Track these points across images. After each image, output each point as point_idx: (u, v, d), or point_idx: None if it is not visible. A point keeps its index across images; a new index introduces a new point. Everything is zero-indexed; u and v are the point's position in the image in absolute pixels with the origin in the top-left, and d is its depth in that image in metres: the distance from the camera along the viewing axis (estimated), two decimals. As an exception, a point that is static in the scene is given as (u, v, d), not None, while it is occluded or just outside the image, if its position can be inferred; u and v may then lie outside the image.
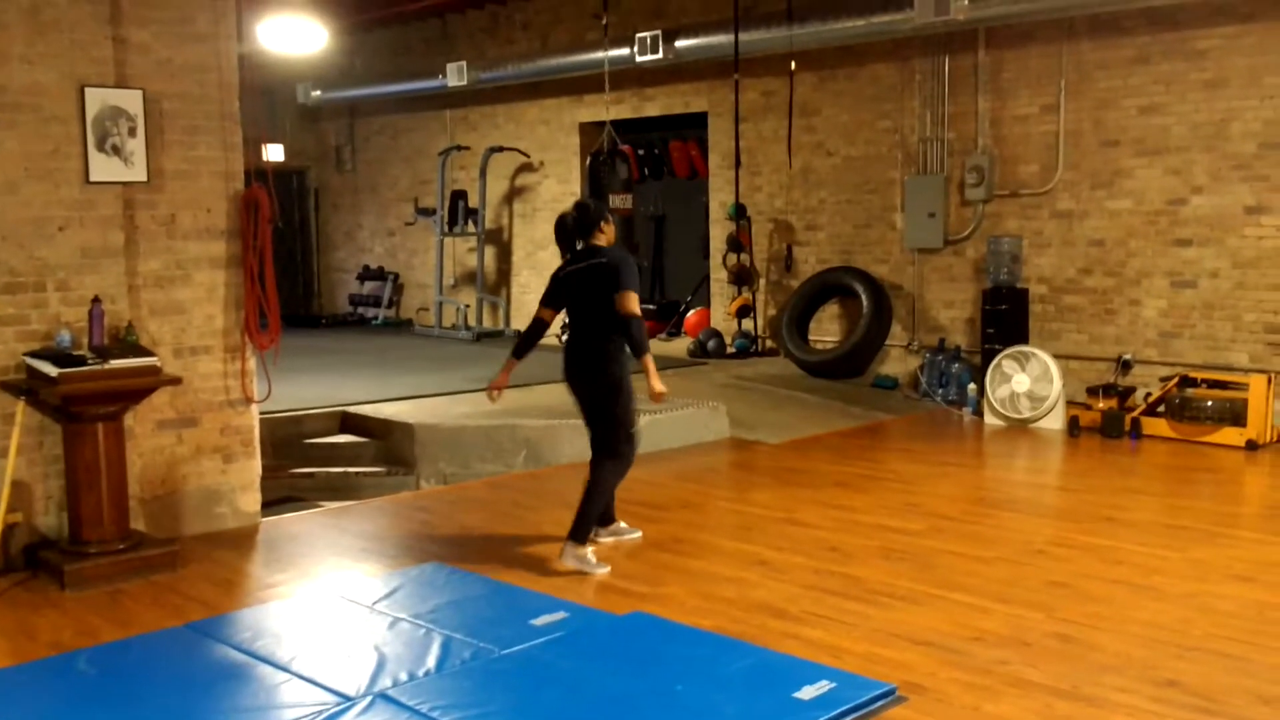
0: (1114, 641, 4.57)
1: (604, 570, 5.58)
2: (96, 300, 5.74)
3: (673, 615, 4.92)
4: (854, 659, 4.40)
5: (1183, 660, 4.37)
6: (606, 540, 6.04)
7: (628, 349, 5.69)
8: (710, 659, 4.40)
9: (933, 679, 4.22)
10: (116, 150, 5.89)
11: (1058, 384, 8.96)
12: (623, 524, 6.19)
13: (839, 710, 3.88)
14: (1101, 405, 8.91)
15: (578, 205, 6.01)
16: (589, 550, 5.70)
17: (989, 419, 9.31)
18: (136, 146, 5.95)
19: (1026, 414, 9.07)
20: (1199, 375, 8.75)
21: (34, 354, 5.53)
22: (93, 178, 5.82)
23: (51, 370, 5.37)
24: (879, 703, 3.99)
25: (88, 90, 5.77)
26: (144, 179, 6.00)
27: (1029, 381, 9.03)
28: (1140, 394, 9.25)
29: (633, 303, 5.59)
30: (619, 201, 9.53)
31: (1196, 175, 9.23)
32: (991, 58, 10.35)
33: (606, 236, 5.87)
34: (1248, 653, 4.44)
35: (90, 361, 5.46)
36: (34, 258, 5.66)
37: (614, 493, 6.03)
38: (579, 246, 5.89)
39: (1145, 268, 9.55)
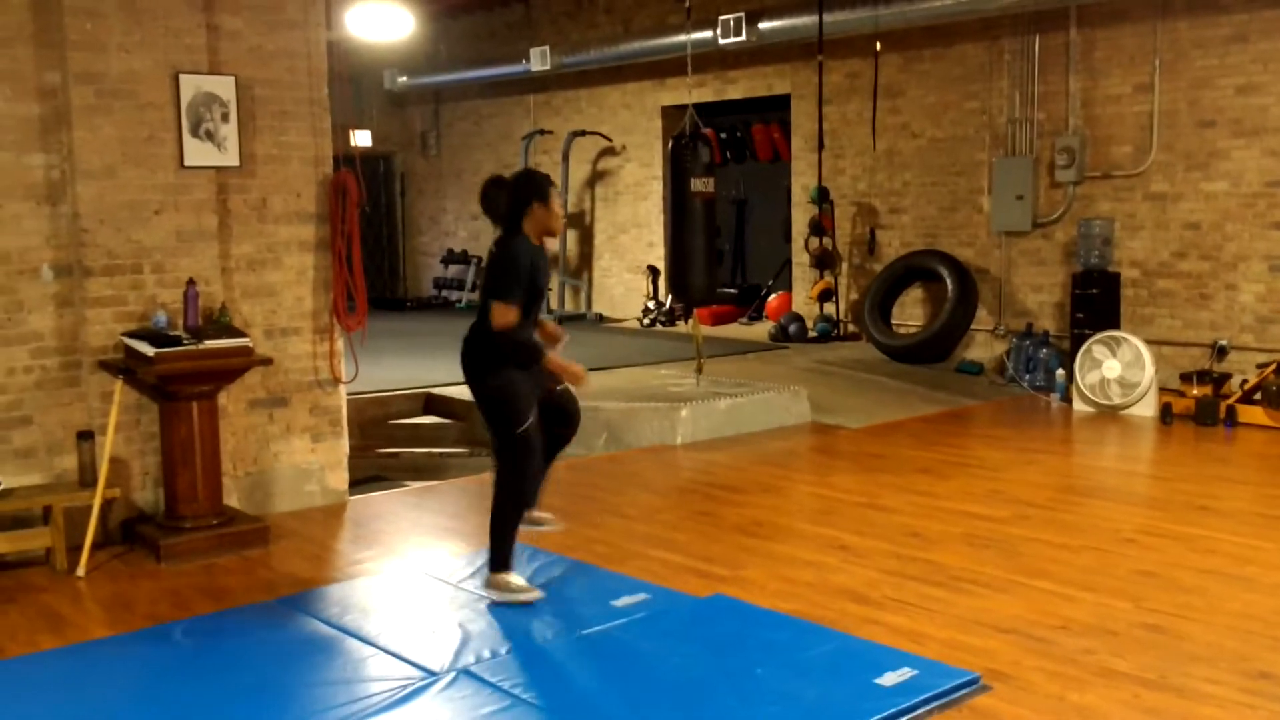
0: (1204, 632, 4.47)
1: (534, 595, 4.85)
2: (191, 282, 5.88)
3: (753, 598, 4.92)
4: (936, 646, 4.36)
5: (1276, 652, 4.26)
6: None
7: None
8: (791, 643, 4.39)
9: (1017, 667, 4.16)
10: (210, 135, 6.02)
11: (1150, 370, 8.75)
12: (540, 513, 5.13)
13: (921, 698, 3.85)
14: (1195, 392, 8.69)
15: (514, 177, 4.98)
16: (510, 575, 4.87)
17: (1078, 405, 9.14)
18: (229, 132, 6.07)
19: (1117, 400, 8.88)
20: (1298, 362, 8.51)
21: (131, 334, 5.69)
22: (187, 163, 5.95)
23: (148, 350, 5.51)
24: (962, 691, 3.94)
25: (182, 77, 5.90)
26: (236, 164, 6.12)
27: (1120, 367, 8.84)
28: (1236, 381, 9.01)
29: (497, 314, 4.60)
30: (700, 185, 9.47)
31: (1297, 156, 8.95)
32: (1083, 36, 10.12)
33: (534, 221, 4.77)
34: (1346, 647, 4.33)
35: (185, 342, 5.60)
36: (131, 241, 5.82)
37: (539, 485, 5.03)
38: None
39: (1242, 251, 9.29)
